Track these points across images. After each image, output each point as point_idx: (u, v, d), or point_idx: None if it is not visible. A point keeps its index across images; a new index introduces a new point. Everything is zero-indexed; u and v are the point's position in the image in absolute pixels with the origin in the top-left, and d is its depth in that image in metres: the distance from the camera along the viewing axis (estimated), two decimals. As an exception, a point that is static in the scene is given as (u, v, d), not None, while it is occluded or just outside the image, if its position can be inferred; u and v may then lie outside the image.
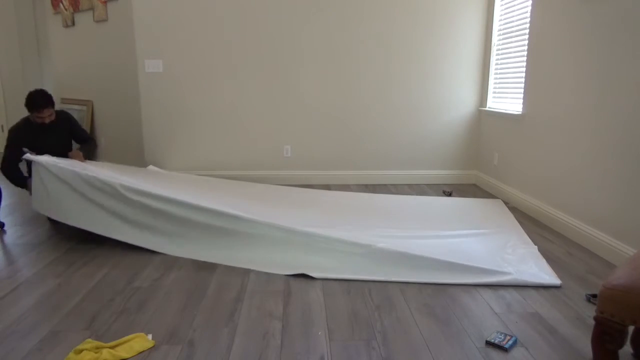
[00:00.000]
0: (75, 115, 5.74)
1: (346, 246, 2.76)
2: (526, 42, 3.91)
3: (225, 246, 2.90)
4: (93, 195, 2.97)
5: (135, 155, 5.02)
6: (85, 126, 5.61)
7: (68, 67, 5.86)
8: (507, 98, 4.36)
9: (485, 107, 4.77)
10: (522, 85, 3.99)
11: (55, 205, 3.03)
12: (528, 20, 3.88)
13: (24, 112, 3.81)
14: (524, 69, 3.97)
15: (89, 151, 3.67)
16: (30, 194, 3.18)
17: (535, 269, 2.65)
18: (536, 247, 3.01)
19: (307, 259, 2.77)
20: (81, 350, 1.87)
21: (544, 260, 2.80)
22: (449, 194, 4.43)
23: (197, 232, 2.93)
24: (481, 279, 2.54)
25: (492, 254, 2.83)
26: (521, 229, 3.37)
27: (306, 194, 4.26)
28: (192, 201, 2.92)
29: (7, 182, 3.54)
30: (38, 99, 3.34)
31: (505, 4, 4.39)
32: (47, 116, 3.42)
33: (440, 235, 3.19)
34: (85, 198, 2.99)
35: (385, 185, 4.88)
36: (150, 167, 4.65)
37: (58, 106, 6.15)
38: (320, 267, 2.70)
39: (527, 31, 3.91)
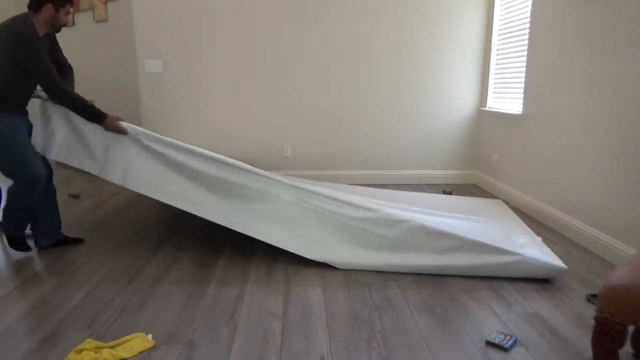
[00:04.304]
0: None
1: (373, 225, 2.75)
2: (526, 42, 3.91)
3: (255, 216, 2.82)
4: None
5: (135, 155, 5.02)
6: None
7: (68, 67, 5.86)
8: (507, 98, 4.36)
9: (485, 107, 4.77)
10: (522, 85, 3.99)
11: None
12: (528, 20, 3.88)
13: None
14: (524, 69, 3.97)
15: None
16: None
17: (540, 254, 2.66)
18: (540, 238, 3.02)
19: (338, 244, 2.79)
20: (81, 350, 1.87)
21: (548, 248, 2.81)
22: (449, 194, 4.43)
23: (228, 195, 2.83)
24: (491, 259, 2.57)
25: (497, 240, 2.83)
26: (523, 223, 3.39)
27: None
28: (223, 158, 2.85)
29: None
30: None
31: (505, 4, 4.39)
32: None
33: (445, 216, 3.24)
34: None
35: (385, 185, 4.88)
36: None
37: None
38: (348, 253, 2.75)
39: (527, 31, 3.91)
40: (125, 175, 2.80)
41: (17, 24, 2.56)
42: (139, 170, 2.80)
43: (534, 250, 2.71)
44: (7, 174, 2.69)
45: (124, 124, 2.77)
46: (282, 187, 2.84)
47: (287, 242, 2.79)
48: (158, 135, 2.83)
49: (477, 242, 2.62)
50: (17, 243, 2.89)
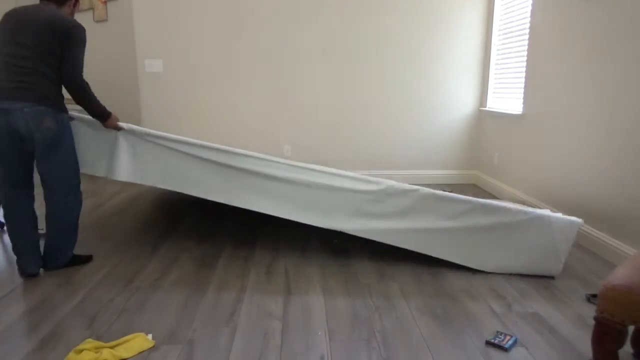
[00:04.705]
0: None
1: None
2: (526, 42, 3.91)
3: (257, 193, 2.79)
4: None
5: (135, 155, 5.02)
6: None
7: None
8: (507, 98, 4.36)
9: (485, 107, 4.77)
10: (522, 85, 3.99)
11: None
12: (528, 20, 3.88)
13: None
14: (524, 69, 3.97)
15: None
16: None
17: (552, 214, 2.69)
18: (548, 209, 3.03)
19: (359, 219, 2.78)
20: (81, 350, 1.87)
21: (560, 213, 2.84)
22: (449, 194, 4.43)
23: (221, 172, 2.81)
24: (504, 218, 2.60)
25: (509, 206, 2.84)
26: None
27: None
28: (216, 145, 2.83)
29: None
30: None
31: (505, 4, 4.39)
32: None
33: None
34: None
35: (385, 185, 4.88)
36: None
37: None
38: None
39: (527, 31, 3.91)
40: (129, 170, 2.79)
41: (56, 14, 2.49)
42: (145, 163, 2.80)
43: (547, 212, 2.72)
44: (70, 183, 2.60)
45: (122, 124, 2.77)
46: (285, 168, 2.79)
47: (294, 215, 2.76)
48: (157, 132, 2.82)
49: (489, 203, 2.63)
50: (82, 259, 2.82)
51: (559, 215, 2.65)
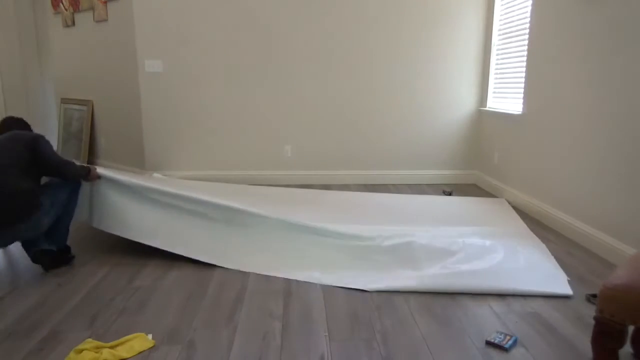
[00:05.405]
0: (76, 115, 5.74)
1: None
2: (526, 42, 3.91)
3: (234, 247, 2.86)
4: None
5: (136, 155, 5.02)
6: (86, 126, 5.60)
7: (68, 67, 5.86)
8: (507, 98, 4.36)
9: (485, 107, 4.77)
10: (522, 85, 3.99)
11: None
12: (528, 20, 3.88)
13: (24, 112, 3.76)
14: (524, 69, 3.97)
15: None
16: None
17: (541, 277, 2.52)
18: (544, 245, 3.02)
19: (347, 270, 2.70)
20: (81, 350, 1.87)
21: (553, 258, 2.80)
22: (449, 194, 4.43)
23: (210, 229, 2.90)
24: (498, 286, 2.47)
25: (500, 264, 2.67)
26: (526, 226, 3.38)
27: (306, 194, 4.26)
28: (209, 198, 2.90)
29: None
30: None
31: (505, 4, 4.39)
32: None
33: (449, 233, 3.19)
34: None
35: (385, 185, 4.88)
36: (155, 174, 4.61)
37: (58, 106, 6.16)
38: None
39: (527, 31, 3.91)
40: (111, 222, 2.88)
41: (18, 131, 2.71)
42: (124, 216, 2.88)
43: (534, 275, 2.54)
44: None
45: (101, 171, 2.88)
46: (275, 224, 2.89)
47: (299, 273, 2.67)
48: (146, 184, 2.91)
49: (477, 253, 2.64)
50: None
51: (549, 285, 2.46)
